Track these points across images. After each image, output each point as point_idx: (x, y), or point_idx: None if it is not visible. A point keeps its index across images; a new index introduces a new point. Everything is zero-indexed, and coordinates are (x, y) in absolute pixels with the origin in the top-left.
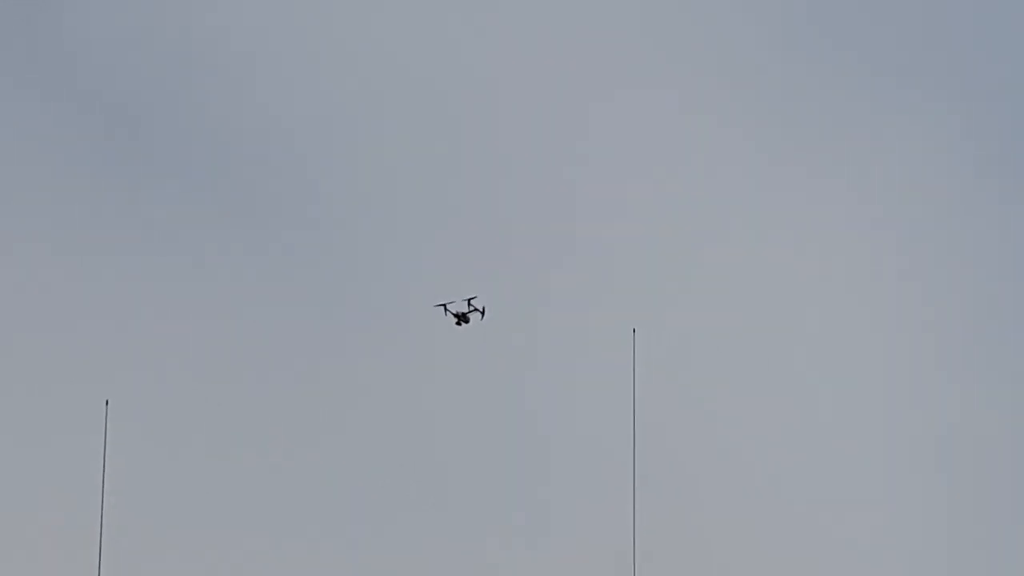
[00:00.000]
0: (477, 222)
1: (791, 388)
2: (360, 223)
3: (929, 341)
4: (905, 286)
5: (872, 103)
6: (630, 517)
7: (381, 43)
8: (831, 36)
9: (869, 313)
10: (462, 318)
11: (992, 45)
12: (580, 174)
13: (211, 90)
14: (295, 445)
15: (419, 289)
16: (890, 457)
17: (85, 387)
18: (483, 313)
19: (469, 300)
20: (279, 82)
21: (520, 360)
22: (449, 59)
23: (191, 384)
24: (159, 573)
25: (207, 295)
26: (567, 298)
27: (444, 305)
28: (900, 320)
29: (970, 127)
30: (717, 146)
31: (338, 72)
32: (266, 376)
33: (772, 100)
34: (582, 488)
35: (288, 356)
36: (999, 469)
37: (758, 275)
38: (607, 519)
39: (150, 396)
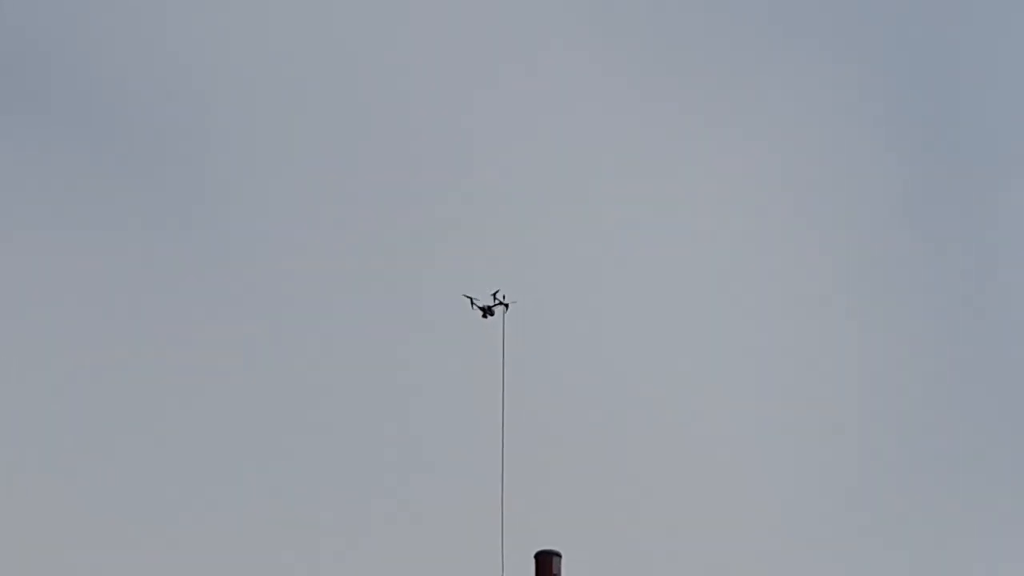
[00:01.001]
0: (349, 185)
1: (675, 350)
2: (245, 191)
3: (819, 291)
4: (798, 240)
5: (771, 59)
6: (498, 469)
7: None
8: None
9: (760, 266)
10: (488, 311)
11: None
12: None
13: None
14: (174, 402)
15: (301, 256)
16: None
17: None
18: (507, 307)
19: (494, 294)
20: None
21: (393, 327)
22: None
23: (69, 340)
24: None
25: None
26: (440, 267)
27: (471, 298)
28: (790, 271)
29: (874, 85)
30: (605, 100)
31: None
32: (143, 332)
33: (667, 50)
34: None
35: (168, 315)
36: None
37: (640, 235)
38: (474, 468)
39: (24, 353)
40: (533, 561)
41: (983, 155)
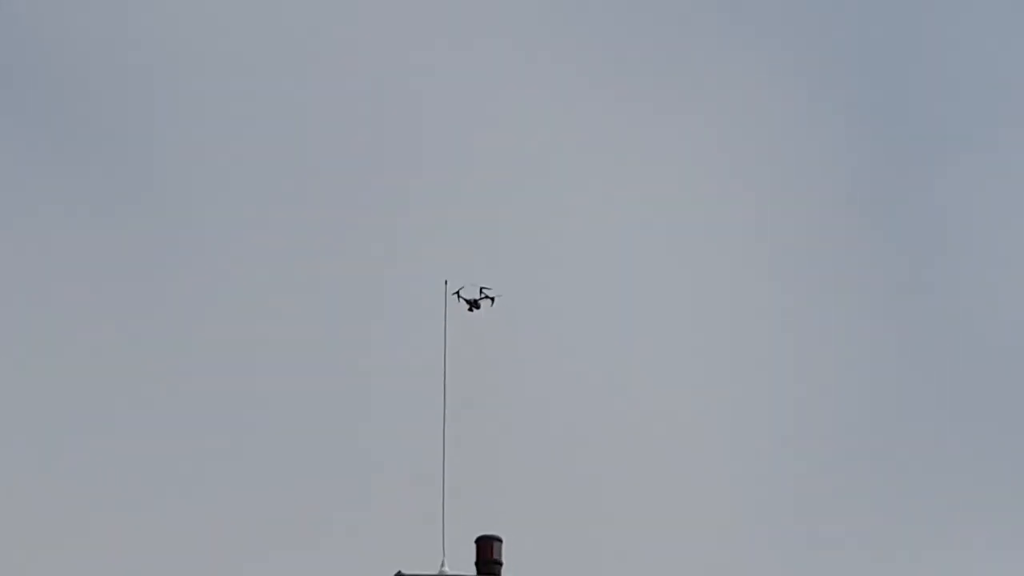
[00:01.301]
0: (292, 168)
1: (621, 338)
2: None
3: (761, 256)
4: (745, 228)
5: (721, 46)
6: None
7: None
8: None
9: (705, 257)
10: (474, 304)
11: None
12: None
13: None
14: (126, 403)
15: (247, 242)
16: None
17: None
18: (493, 300)
19: (481, 288)
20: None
21: (332, 313)
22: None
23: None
24: None
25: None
26: (376, 246)
27: (458, 292)
28: (736, 263)
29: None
30: (549, 82)
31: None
32: (96, 330)
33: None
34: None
35: (126, 314)
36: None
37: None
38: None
39: None
40: (474, 546)
41: (923, 141)
